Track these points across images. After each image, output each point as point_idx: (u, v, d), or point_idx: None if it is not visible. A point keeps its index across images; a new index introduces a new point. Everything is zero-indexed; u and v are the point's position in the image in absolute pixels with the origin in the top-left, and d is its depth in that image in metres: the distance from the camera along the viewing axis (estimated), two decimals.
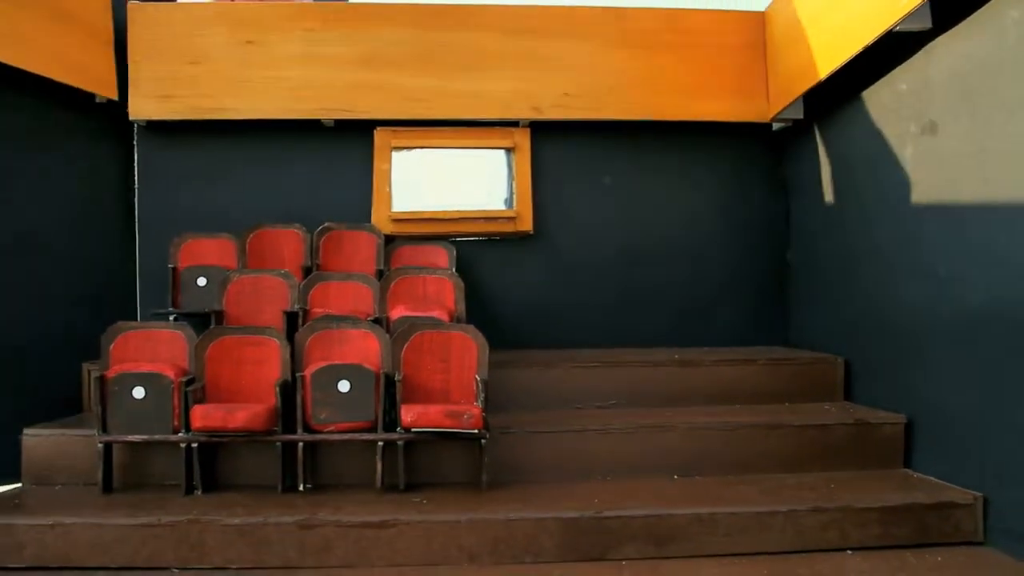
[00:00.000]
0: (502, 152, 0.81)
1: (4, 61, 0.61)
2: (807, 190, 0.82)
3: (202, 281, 0.78)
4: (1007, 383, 0.52)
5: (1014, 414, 0.51)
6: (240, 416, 0.55)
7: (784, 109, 0.80)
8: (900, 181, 0.65)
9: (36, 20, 0.65)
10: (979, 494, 0.53)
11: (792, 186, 0.86)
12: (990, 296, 0.53)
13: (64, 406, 0.66)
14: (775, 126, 0.84)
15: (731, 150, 0.86)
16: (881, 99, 0.67)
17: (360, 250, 0.80)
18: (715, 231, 0.88)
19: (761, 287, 0.87)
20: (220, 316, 0.71)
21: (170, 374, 0.57)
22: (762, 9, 0.82)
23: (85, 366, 0.70)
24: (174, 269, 0.78)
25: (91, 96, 0.73)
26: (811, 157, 0.80)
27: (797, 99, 0.77)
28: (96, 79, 0.73)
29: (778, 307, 0.87)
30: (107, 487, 0.56)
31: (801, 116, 0.79)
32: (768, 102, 0.82)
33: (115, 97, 0.77)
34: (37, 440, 0.58)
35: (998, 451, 0.53)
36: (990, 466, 0.53)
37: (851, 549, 0.51)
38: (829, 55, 0.69)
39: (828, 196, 0.76)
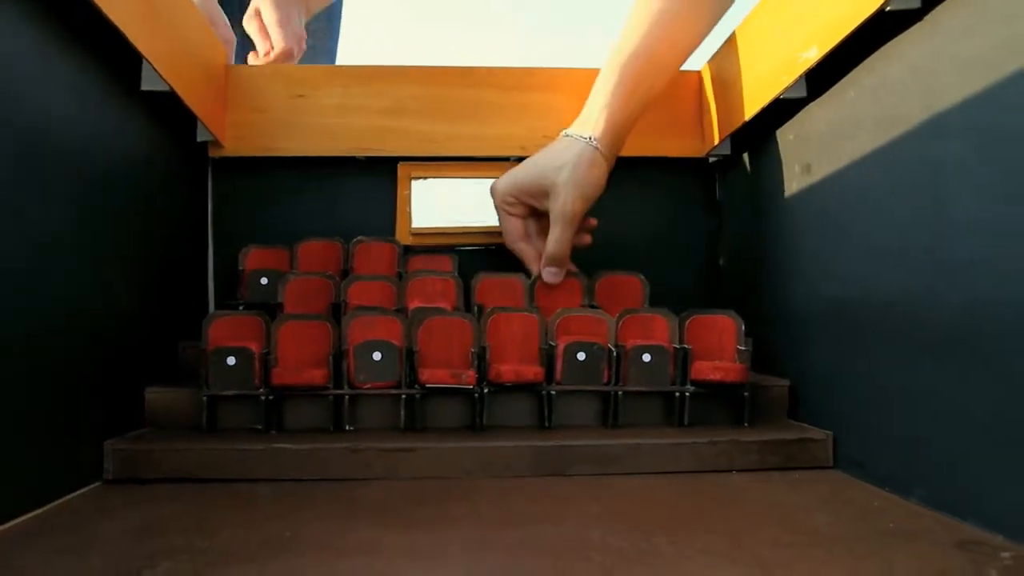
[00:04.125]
0: None
1: (188, 105, 0.77)
2: (734, 210, 0.94)
3: (264, 280, 0.93)
4: (848, 354, 0.65)
5: (851, 377, 0.65)
6: (306, 376, 0.70)
7: (716, 146, 0.93)
8: (789, 205, 0.79)
9: (199, 79, 0.81)
10: (830, 432, 0.67)
11: (724, 206, 0.98)
12: (840, 292, 0.66)
13: (166, 372, 0.80)
14: (710, 159, 0.97)
15: (676, 178, 0.99)
16: (780, 143, 0.80)
17: (385, 257, 0.94)
18: (663, 242, 1.00)
19: (699, 286, 0.99)
20: (280, 307, 0.87)
21: (253, 347, 0.72)
22: (698, 68, 0.98)
23: (180, 343, 0.88)
24: (242, 271, 0.95)
25: (193, 135, 0.86)
26: (738, 184, 0.93)
27: (725, 139, 0.91)
28: (217, 124, 0.89)
29: (712, 301, 0.98)
30: (210, 429, 0.70)
31: (729, 152, 0.93)
32: (703, 141, 0.96)
33: (224, 140, 0.91)
34: (156, 396, 0.72)
35: (842, 403, 0.66)
36: (837, 413, 0.67)
37: (736, 470, 0.65)
38: (744, 109, 0.83)
39: (748, 214, 0.90)
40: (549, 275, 0.78)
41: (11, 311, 0.51)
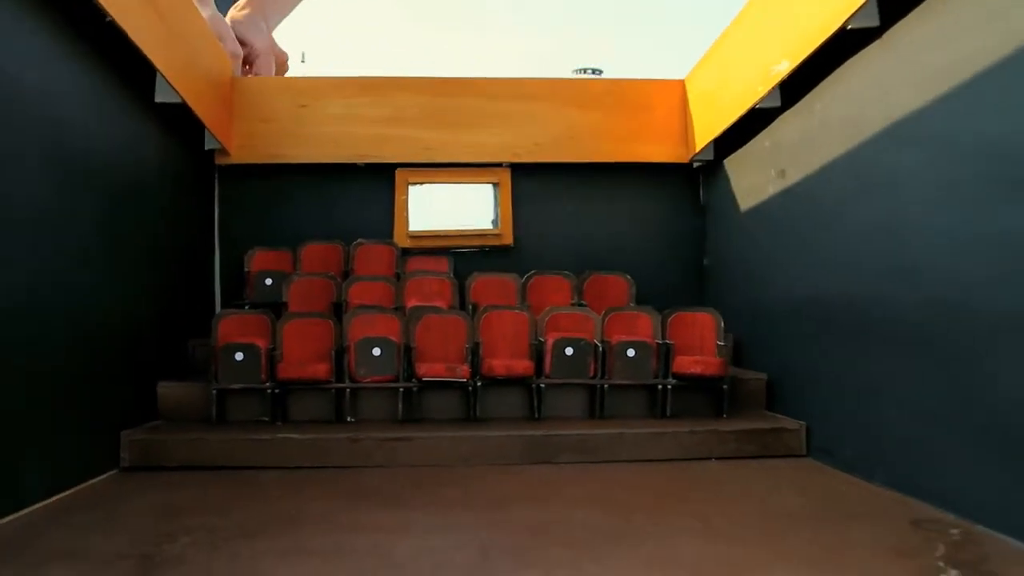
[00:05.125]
0: (490, 186, 1.01)
1: (201, 119, 0.81)
2: (717, 212, 0.98)
3: (268, 281, 0.97)
4: (820, 351, 0.69)
5: (823, 372, 0.69)
6: (309, 370, 0.74)
7: (699, 152, 0.97)
8: (765, 209, 0.82)
9: (210, 92, 0.84)
10: (803, 423, 0.71)
11: (708, 209, 1.02)
12: (812, 291, 0.70)
13: (177, 368, 0.84)
14: (694, 164, 1.01)
15: (661, 182, 1.03)
16: (758, 149, 0.84)
17: (384, 259, 0.99)
18: (649, 243, 1.04)
19: (684, 285, 1.03)
20: (285, 306, 0.91)
21: (259, 344, 0.75)
22: (682, 77, 1.02)
23: (189, 341, 0.92)
24: (248, 272, 0.98)
25: (201, 144, 0.90)
26: (720, 187, 0.96)
27: (708, 145, 0.95)
28: (224, 133, 0.93)
29: (696, 299, 1.01)
30: (219, 420, 0.74)
31: (712, 157, 0.96)
32: (687, 147, 1.00)
33: (230, 148, 0.95)
34: (168, 390, 0.76)
35: (815, 395, 0.70)
36: (810, 405, 0.71)
37: (715, 458, 0.69)
38: (724, 116, 0.87)
39: (729, 217, 0.93)
40: None
41: (30, 313, 0.54)
